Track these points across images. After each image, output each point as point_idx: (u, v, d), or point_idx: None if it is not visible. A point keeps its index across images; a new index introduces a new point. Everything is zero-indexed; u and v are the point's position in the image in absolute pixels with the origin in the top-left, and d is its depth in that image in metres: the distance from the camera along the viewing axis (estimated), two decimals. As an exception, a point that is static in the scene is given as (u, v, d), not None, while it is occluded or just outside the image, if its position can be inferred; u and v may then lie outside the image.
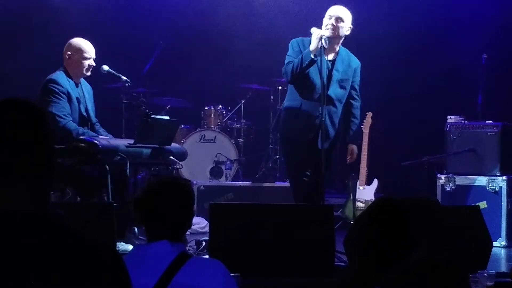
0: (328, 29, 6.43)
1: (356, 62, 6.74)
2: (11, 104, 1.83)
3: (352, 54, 6.70)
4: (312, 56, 6.31)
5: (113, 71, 6.97)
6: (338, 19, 6.46)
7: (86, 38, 6.78)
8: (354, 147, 6.89)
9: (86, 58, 6.60)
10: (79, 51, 6.60)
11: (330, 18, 6.46)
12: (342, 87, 6.63)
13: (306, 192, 6.53)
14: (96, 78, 6.92)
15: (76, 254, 1.70)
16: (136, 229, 6.80)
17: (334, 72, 6.51)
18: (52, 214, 1.76)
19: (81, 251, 1.71)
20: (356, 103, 6.80)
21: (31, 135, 1.80)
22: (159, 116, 7.17)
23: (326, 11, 6.54)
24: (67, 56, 6.61)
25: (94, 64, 6.66)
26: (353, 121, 6.80)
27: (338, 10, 6.51)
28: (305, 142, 6.50)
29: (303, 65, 6.36)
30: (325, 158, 6.38)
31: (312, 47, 6.32)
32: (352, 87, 6.73)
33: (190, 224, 3.18)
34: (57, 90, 6.39)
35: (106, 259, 1.74)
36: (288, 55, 6.55)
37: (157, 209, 3.05)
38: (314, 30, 6.39)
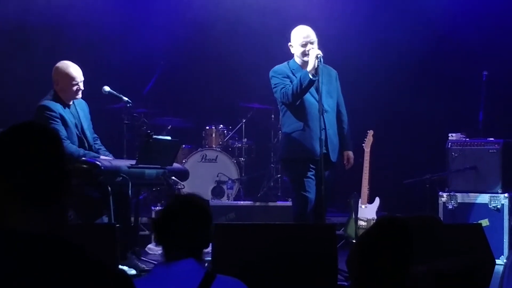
0: (313, 48, 6.58)
1: (333, 71, 6.92)
2: (29, 129, 1.85)
3: (326, 65, 6.77)
4: (311, 76, 6.42)
5: (114, 92, 6.98)
6: (313, 42, 6.65)
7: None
8: (350, 153, 7.00)
9: (73, 84, 6.55)
10: (67, 77, 6.54)
11: (305, 44, 6.64)
12: (331, 96, 6.78)
13: (314, 210, 6.57)
14: (97, 98, 6.93)
15: (90, 277, 1.72)
16: (137, 251, 6.79)
17: (320, 84, 6.57)
18: (68, 236, 1.78)
19: (95, 274, 1.73)
20: (343, 110, 6.97)
21: (51, 159, 1.82)
22: (160, 137, 7.17)
23: (302, 38, 6.69)
24: (55, 81, 6.57)
25: (82, 88, 6.59)
26: (344, 127, 6.95)
27: (309, 33, 6.70)
28: (315, 159, 6.53)
29: (303, 86, 6.47)
30: (334, 170, 6.76)
31: (310, 67, 6.48)
32: (338, 95, 6.91)
33: (208, 242, 3.17)
34: (50, 116, 6.37)
35: (120, 284, 1.77)
36: (276, 84, 6.69)
37: (175, 229, 3.05)
38: (311, 52, 6.52)
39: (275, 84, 6.71)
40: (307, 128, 6.63)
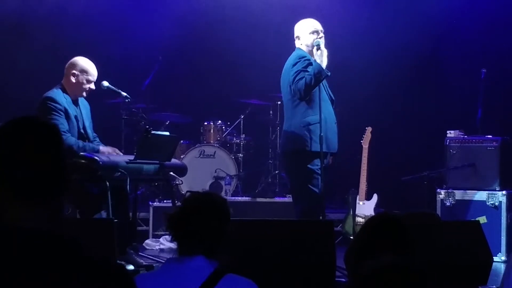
0: (322, 43, 6.52)
1: None
2: (28, 124, 1.84)
3: None
4: (328, 73, 6.38)
5: (113, 87, 6.97)
6: (322, 31, 6.61)
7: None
8: None
9: (89, 81, 6.54)
10: (85, 73, 6.53)
11: (316, 32, 6.58)
12: (329, 86, 6.75)
13: (319, 204, 6.49)
14: (96, 94, 6.92)
15: (90, 273, 1.72)
16: (135, 246, 6.79)
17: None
18: (66, 233, 1.77)
19: (94, 270, 1.73)
20: None
21: (51, 154, 1.82)
22: (159, 132, 7.17)
23: (311, 27, 6.64)
24: (70, 75, 6.54)
25: (94, 88, 6.60)
26: None
27: (318, 24, 6.63)
28: (329, 153, 6.48)
29: (318, 82, 6.34)
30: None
31: (324, 63, 6.38)
32: None
33: (223, 240, 3.18)
34: (54, 107, 6.36)
35: (119, 280, 1.77)
36: (299, 70, 6.45)
37: (190, 226, 3.06)
38: (322, 47, 6.45)
39: (298, 70, 6.45)
40: (325, 119, 6.41)
